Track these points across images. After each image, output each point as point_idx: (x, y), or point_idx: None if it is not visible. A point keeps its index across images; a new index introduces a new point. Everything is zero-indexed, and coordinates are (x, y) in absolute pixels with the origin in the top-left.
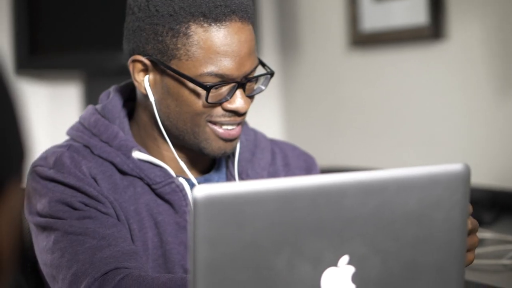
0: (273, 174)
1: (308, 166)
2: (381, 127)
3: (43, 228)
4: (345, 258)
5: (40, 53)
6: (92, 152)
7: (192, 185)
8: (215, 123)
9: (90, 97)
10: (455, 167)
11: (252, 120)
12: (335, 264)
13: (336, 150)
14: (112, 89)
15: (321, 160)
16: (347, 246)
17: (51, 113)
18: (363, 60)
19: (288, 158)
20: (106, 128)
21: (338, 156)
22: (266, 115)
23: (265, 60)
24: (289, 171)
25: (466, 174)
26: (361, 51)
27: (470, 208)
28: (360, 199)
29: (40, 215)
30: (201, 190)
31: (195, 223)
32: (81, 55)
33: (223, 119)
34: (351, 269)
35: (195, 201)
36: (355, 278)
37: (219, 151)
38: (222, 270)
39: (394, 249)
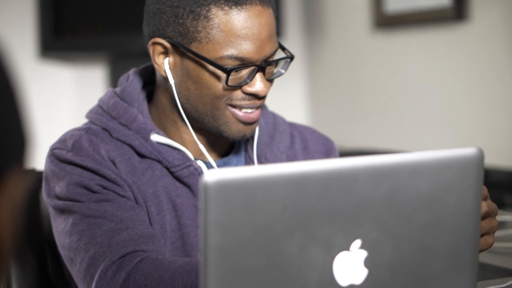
0: (292, 157)
1: (327, 150)
2: (404, 108)
3: (61, 211)
4: (357, 243)
5: (65, 35)
6: (111, 135)
7: (210, 168)
8: (234, 106)
9: (115, 79)
10: (468, 151)
11: (276, 101)
12: (347, 248)
13: (358, 131)
14: (131, 72)
15: (344, 142)
16: (359, 231)
17: (76, 95)
18: (386, 41)
19: (307, 142)
20: (125, 111)
21: (360, 138)
22: (290, 96)
23: (289, 41)
24: (308, 155)
25: (479, 158)
26: (385, 32)
27: (485, 192)
28: (372, 183)
29: (58, 198)
30: (212, 175)
31: (206, 208)
32: (106, 36)
33: (242, 102)
34: (364, 254)
35: (206, 186)
36: (367, 262)
37: (239, 134)
38: (233, 255)
39: (406, 233)
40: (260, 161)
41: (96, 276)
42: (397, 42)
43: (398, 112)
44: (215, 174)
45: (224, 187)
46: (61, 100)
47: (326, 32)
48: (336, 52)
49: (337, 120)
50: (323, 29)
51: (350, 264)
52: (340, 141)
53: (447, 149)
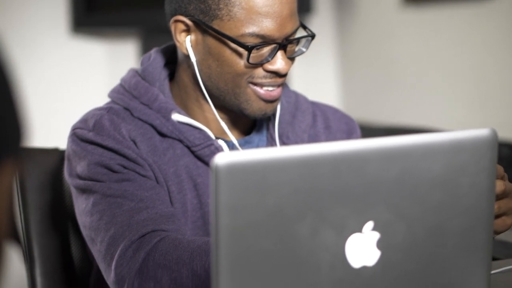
0: (314, 136)
1: (349, 129)
2: (434, 84)
3: (83, 190)
4: (369, 224)
5: (97, 11)
6: (132, 115)
7: (232, 147)
8: (256, 84)
9: None
10: (482, 132)
11: (308, 76)
12: (359, 230)
13: (389, 106)
14: (153, 51)
15: (375, 117)
16: (372, 212)
17: (108, 71)
18: (417, 16)
19: (330, 121)
20: (146, 90)
21: (391, 113)
22: (321, 71)
23: (320, 17)
24: (330, 134)
25: (492, 139)
26: (415, 7)
27: (501, 171)
28: (384, 164)
29: (80, 177)
30: (223, 158)
31: (217, 190)
32: (138, 12)
33: (264, 80)
34: (376, 235)
35: (216, 168)
36: (380, 244)
37: (260, 112)
38: (244, 238)
39: (419, 215)
40: (282, 140)
41: (116, 256)
42: (428, 17)
43: (428, 88)
44: (226, 156)
45: (235, 169)
46: (93, 76)
47: (356, 7)
48: (366, 27)
49: (368, 95)
50: (353, 4)
51: (363, 246)
52: (371, 116)
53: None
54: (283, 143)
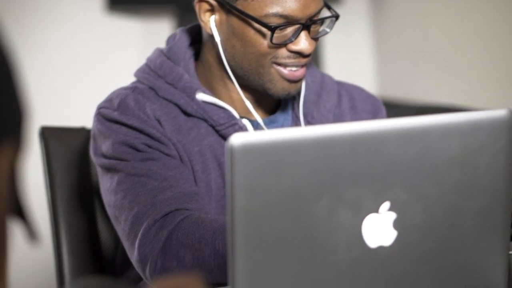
0: (339, 116)
1: (375, 109)
2: (468, 62)
3: (107, 169)
4: (386, 205)
5: None
6: (157, 94)
7: (256, 126)
8: (279, 64)
9: None
10: (499, 113)
11: (343, 56)
12: (376, 210)
13: (424, 84)
14: (178, 30)
15: (410, 95)
16: (389, 193)
17: (143, 49)
18: None
19: (355, 101)
20: (171, 70)
21: (426, 91)
22: (356, 51)
23: None
24: (355, 114)
25: (510, 120)
26: None
27: None
28: (402, 145)
29: (105, 156)
30: (238, 138)
31: (233, 171)
32: None
33: (288, 61)
34: (393, 216)
35: (232, 149)
36: (396, 224)
37: (283, 92)
38: (260, 218)
39: (436, 195)
40: (307, 120)
41: (139, 235)
42: None
43: (463, 66)
44: (241, 137)
45: (250, 150)
46: (128, 54)
47: None
48: (401, 5)
49: (402, 74)
50: None
51: (379, 226)
52: (405, 95)
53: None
54: (308, 122)
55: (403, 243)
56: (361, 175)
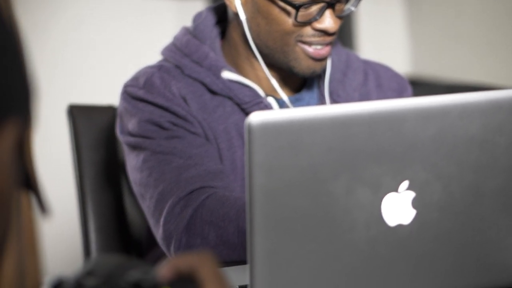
0: (365, 95)
1: (400, 88)
2: (502, 40)
3: (133, 147)
4: (405, 184)
5: None
6: (183, 72)
7: (282, 105)
8: (304, 42)
9: None
10: None
11: (377, 34)
12: (395, 189)
13: (458, 63)
14: (205, 9)
15: (444, 73)
16: (408, 172)
17: (176, 28)
18: None
19: (381, 79)
20: (197, 48)
21: (460, 70)
22: (390, 28)
23: None
24: (381, 92)
25: None
26: None
27: None
28: (421, 124)
29: (131, 134)
30: (256, 117)
31: (251, 149)
32: None
33: (312, 39)
34: (412, 194)
35: (250, 127)
36: (415, 203)
37: (308, 70)
38: (279, 197)
39: (455, 174)
40: (332, 98)
41: (164, 212)
42: None
43: (496, 44)
44: (259, 115)
45: (268, 129)
46: (163, 33)
47: None
48: None
49: (436, 52)
50: None
51: (398, 205)
52: (440, 72)
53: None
54: (333, 101)
55: (422, 222)
56: (380, 154)
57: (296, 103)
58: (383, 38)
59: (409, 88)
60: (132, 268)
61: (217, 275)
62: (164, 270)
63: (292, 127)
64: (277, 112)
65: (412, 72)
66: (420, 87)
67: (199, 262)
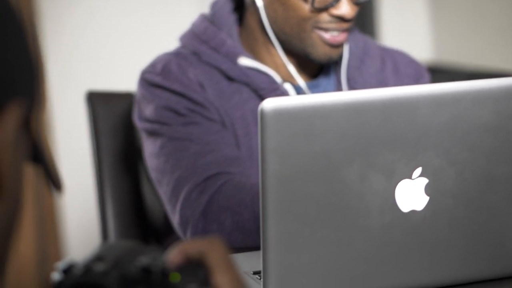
0: (382, 81)
1: (417, 74)
2: None
3: (151, 133)
4: (418, 170)
5: None
6: (200, 59)
7: (299, 91)
8: (321, 28)
9: None
10: None
11: (399, 19)
12: (409, 176)
13: (481, 49)
14: None
15: (469, 60)
16: (421, 158)
17: (196, 15)
18: None
19: (398, 66)
20: (214, 35)
21: (483, 56)
22: (413, 14)
23: None
24: (398, 79)
25: None
26: None
27: None
28: (434, 111)
29: (148, 121)
30: (269, 103)
31: (264, 136)
32: None
33: (329, 25)
34: (425, 181)
35: (262, 114)
36: (428, 190)
37: (325, 56)
38: (292, 183)
39: (469, 161)
40: (350, 84)
41: (181, 198)
42: None
43: None
44: (272, 102)
45: (281, 115)
46: (180, 20)
47: None
48: None
49: (459, 38)
50: None
51: (412, 191)
52: (462, 58)
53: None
54: (351, 87)
55: (436, 208)
56: (393, 140)
57: (313, 89)
58: (405, 25)
59: (426, 75)
60: (142, 254)
61: (226, 260)
62: (173, 255)
63: (305, 114)
64: (290, 98)
65: (434, 59)
66: (442, 74)
67: (209, 247)
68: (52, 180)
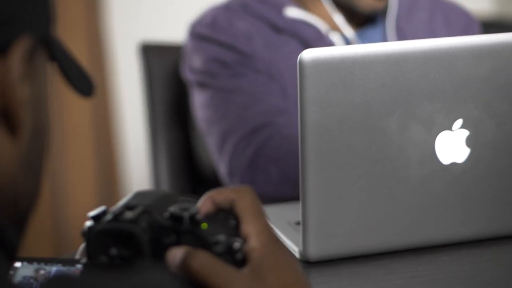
0: (431, 32)
1: (467, 25)
2: None
3: (199, 85)
4: (459, 122)
5: None
6: (249, 12)
7: (346, 41)
8: None
9: None
10: None
11: None
12: (449, 128)
13: None
14: None
15: None
16: (461, 110)
17: None
18: None
19: (449, 17)
20: None
21: None
22: None
23: None
24: (449, 29)
25: None
26: None
27: None
28: (474, 62)
29: (197, 72)
30: (308, 53)
31: (303, 86)
32: None
33: None
34: (465, 133)
35: (302, 64)
36: (469, 142)
37: (369, 7)
38: (331, 133)
39: (509, 113)
40: (398, 35)
41: (228, 149)
42: None
43: None
44: (312, 52)
45: (321, 65)
46: None
47: None
48: None
49: None
50: None
51: (452, 143)
52: None
53: None
54: (399, 37)
55: (476, 160)
56: (433, 92)
57: (360, 39)
58: None
59: (476, 26)
60: (173, 203)
61: (256, 208)
62: (203, 204)
63: (345, 64)
64: (330, 49)
65: (497, 12)
66: (505, 28)
67: (238, 195)
68: (79, 82)
